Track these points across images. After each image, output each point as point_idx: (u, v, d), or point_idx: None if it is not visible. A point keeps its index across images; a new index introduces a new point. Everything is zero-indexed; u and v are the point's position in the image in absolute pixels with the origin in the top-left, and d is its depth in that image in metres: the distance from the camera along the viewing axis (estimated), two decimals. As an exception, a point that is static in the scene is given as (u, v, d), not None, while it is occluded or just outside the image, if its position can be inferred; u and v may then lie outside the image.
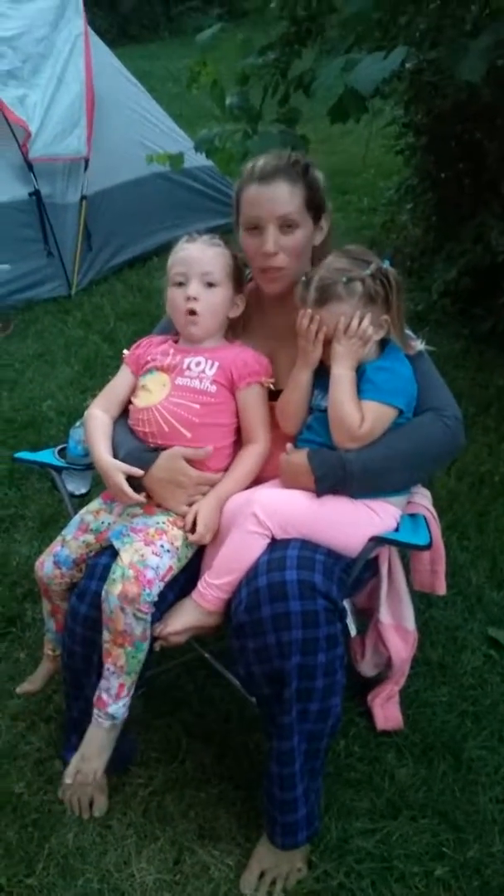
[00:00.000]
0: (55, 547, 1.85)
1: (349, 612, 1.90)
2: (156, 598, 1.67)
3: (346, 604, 1.86)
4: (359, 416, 1.64)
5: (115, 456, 1.81)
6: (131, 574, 1.65)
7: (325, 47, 3.09)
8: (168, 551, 1.71)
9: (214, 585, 1.68)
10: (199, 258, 1.81)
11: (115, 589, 1.65)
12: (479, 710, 2.05)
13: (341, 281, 1.65)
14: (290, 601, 1.55)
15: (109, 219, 4.84)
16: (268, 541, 1.65)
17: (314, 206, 1.79)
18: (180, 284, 1.82)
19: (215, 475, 1.79)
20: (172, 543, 1.72)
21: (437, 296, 4.06)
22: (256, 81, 3.17)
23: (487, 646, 2.24)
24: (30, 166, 4.51)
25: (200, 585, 1.70)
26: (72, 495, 2.09)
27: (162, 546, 1.70)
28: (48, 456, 2.08)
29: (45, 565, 1.84)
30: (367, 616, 2.00)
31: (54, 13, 4.79)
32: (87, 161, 4.69)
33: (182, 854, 1.77)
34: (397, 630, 1.94)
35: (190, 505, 1.77)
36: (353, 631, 1.90)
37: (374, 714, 2.01)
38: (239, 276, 1.85)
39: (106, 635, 1.69)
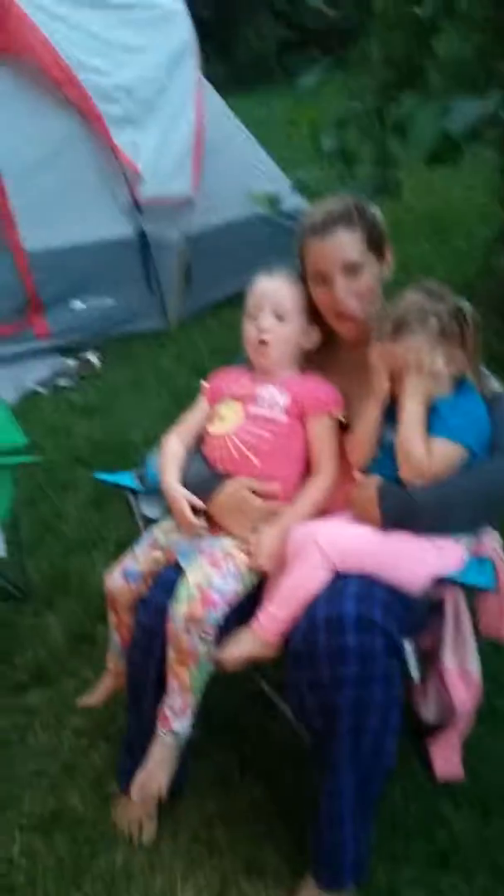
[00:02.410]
0: (125, 561, 1.91)
1: (411, 654, 1.87)
2: (221, 621, 1.70)
3: (407, 645, 1.84)
4: (426, 453, 1.63)
5: (184, 481, 1.86)
6: (197, 595, 1.69)
7: (422, 94, 3.13)
8: (234, 575, 1.73)
9: (275, 617, 1.68)
10: (271, 291, 1.87)
11: (181, 609, 1.69)
12: (545, 767, 1.97)
13: (416, 315, 1.66)
14: (347, 635, 1.54)
15: (210, 258, 4.97)
16: (330, 574, 1.65)
17: (375, 245, 1.81)
18: (254, 318, 1.87)
19: (279, 505, 1.81)
20: (238, 568, 1.75)
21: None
22: (354, 126, 3.23)
23: None
24: (137, 206, 4.72)
25: (261, 616, 1.71)
26: (147, 518, 2.14)
27: (228, 569, 1.73)
28: (127, 478, 2.15)
29: (115, 578, 1.90)
30: (430, 659, 1.96)
31: (169, 62, 5.02)
32: (191, 202, 4.87)
33: (227, 886, 1.76)
34: (461, 675, 1.88)
35: (253, 532, 1.79)
36: (414, 673, 1.87)
37: (433, 762, 1.95)
38: (311, 308, 1.88)
39: (171, 653, 1.72)
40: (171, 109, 4.95)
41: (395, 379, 1.71)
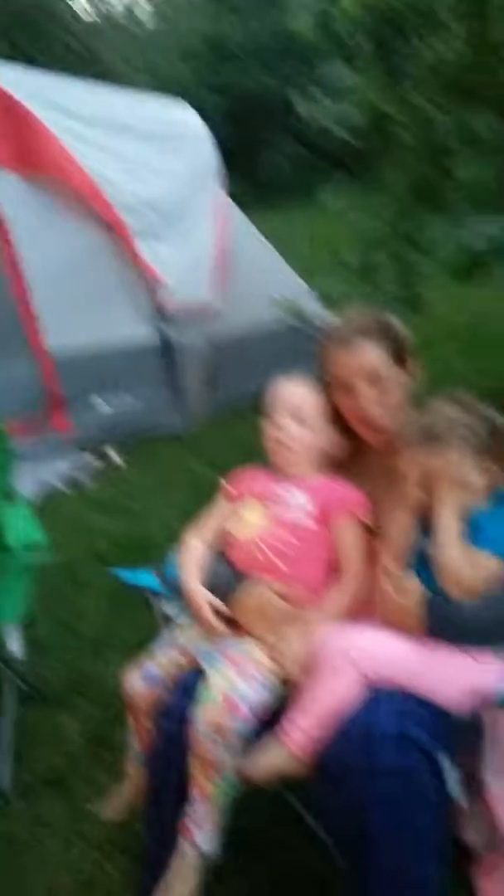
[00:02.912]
0: (145, 663, 1.85)
1: (451, 774, 1.79)
2: (248, 734, 1.63)
3: (448, 764, 1.77)
4: (467, 565, 1.60)
5: (206, 583, 1.83)
6: (221, 701, 1.62)
7: (443, 214, 3.27)
8: (260, 682, 1.67)
9: (304, 729, 1.60)
10: (289, 395, 1.91)
11: (203, 715, 1.62)
12: None
13: (447, 426, 1.66)
14: (382, 753, 1.48)
15: (233, 363, 5.10)
16: (362, 686, 1.60)
17: (399, 356, 1.84)
18: (272, 419, 1.90)
19: (306, 610, 1.78)
20: (265, 676, 1.68)
21: None
22: (379, 245, 3.36)
23: None
24: (161, 314, 4.87)
25: (290, 729, 1.63)
26: (167, 618, 2.11)
27: (253, 675, 1.67)
28: (147, 577, 2.13)
29: (134, 681, 1.84)
30: (472, 780, 1.87)
31: (193, 177, 5.30)
32: (215, 310, 5.03)
33: None
34: (504, 797, 1.79)
35: (278, 636, 1.74)
36: (455, 795, 1.78)
37: (479, 889, 1.84)
38: (334, 412, 1.90)
39: (194, 761, 1.64)
40: (194, 223, 5.20)
41: (424, 489, 1.70)
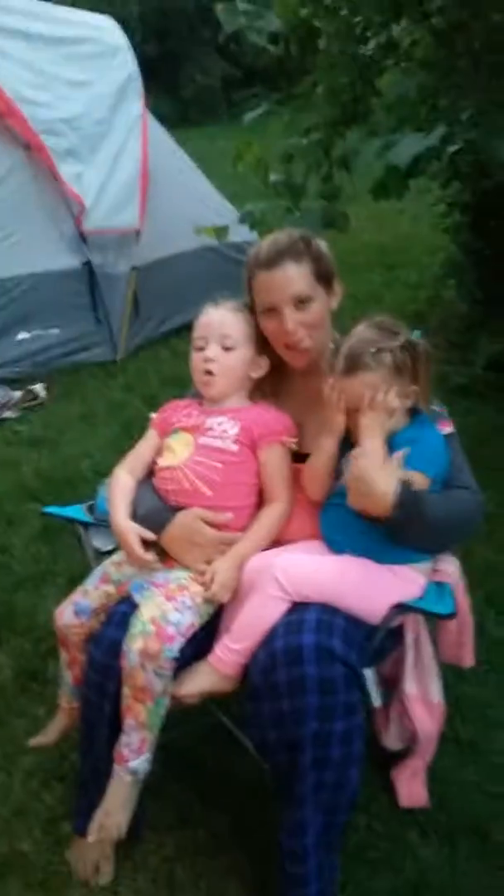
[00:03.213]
0: (76, 597, 1.85)
1: (373, 682, 1.85)
2: (177, 655, 1.65)
3: (369, 673, 1.83)
4: (393, 488, 1.59)
5: (134, 514, 1.82)
6: (152, 630, 1.64)
7: (369, 129, 3.20)
8: (189, 608, 1.69)
9: (233, 650, 1.65)
10: (218, 322, 1.86)
11: (135, 644, 1.64)
12: (508, 793, 1.96)
13: (370, 351, 1.65)
14: (306, 665, 1.52)
15: (158, 289, 4.99)
16: (288, 605, 1.63)
17: (324, 277, 1.82)
18: (200, 348, 1.87)
19: (233, 535, 1.79)
20: (193, 599, 1.71)
21: (481, 368, 4.06)
22: (300, 160, 3.28)
23: (520, 725, 2.15)
24: (83, 238, 4.71)
25: (218, 649, 1.67)
26: (98, 551, 2.09)
27: (183, 602, 1.69)
28: (77, 511, 2.10)
29: (65, 614, 1.84)
30: (392, 686, 1.94)
31: (114, 97, 5.05)
32: (138, 233, 4.87)
33: (190, 926, 1.70)
34: (424, 702, 1.87)
35: (208, 563, 1.76)
36: (376, 702, 1.85)
37: (398, 790, 1.93)
38: (261, 339, 1.88)
39: (126, 690, 1.67)
40: (115, 143, 4.97)
41: (349, 413, 1.71)
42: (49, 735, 1.98)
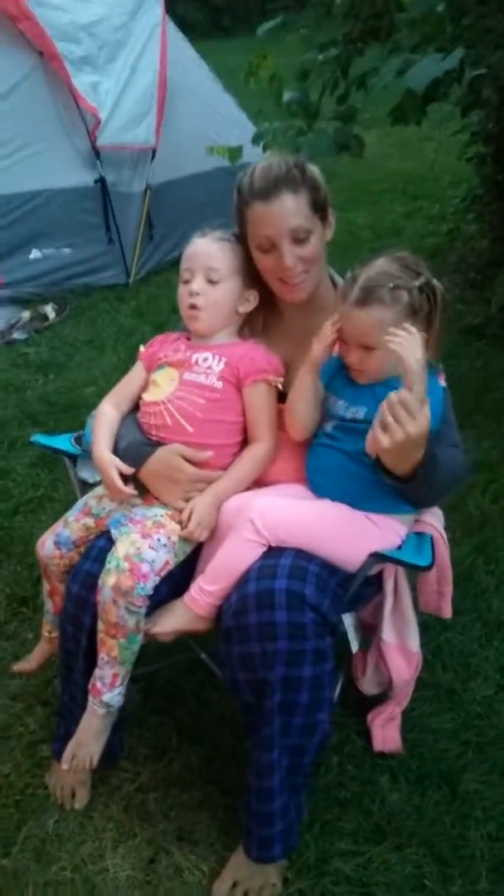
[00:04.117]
0: (57, 527, 1.85)
1: (352, 627, 1.85)
2: (150, 592, 1.65)
3: (348, 618, 1.82)
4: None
5: (115, 448, 1.80)
6: (126, 567, 1.63)
7: (390, 47, 3.01)
8: (165, 546, 1.68)
9: (207, 591, 1.64)
10: (204, 253, 1.79)
11: (109, 580, 1.63)
12: (482, 742, 1.96)
13: (388, 286, 1.57)
14: (276, 611, 1.51)
15: (173, 210, 4.85)
16: (263, 549, 1.61)
17: (320, 207, 1.73)
18: (186, 281, 1.80)
19: (213, 473, 1.76)
20: (169, 538, 1.69)
21: (496, 309, 3.94)
22: (316, 78, 3.11)
23: (501, 675, 2.14)
24: (97, 153, 4.56)
25: (193, 590, 1.67)
26: (84, 482, 2.08)
27: (159, 540, 1.68)
28: (64, 442, 2.08)
29: (46, 545, 1.84)
30: (370, 632, 1.94)
31: (133, 2, 4.82)
32: (154, 151, 4.71)
33: (158, 854, 1.75)
34: (400, 650, 1.86)
35: (187, 501, 1.74)
36: (354, 646, 1.86)
37: (373, 734, 1.95)
38: (251, 272, 1.81)
39: (100, 625, 1.68)
40: (133, 52, 4.76)
41: (352, 348, 1.63)
42: (31, 662, 2.02)
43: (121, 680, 1.70)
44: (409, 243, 5.37)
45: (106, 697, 1.69)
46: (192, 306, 1.79)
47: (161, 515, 1.73)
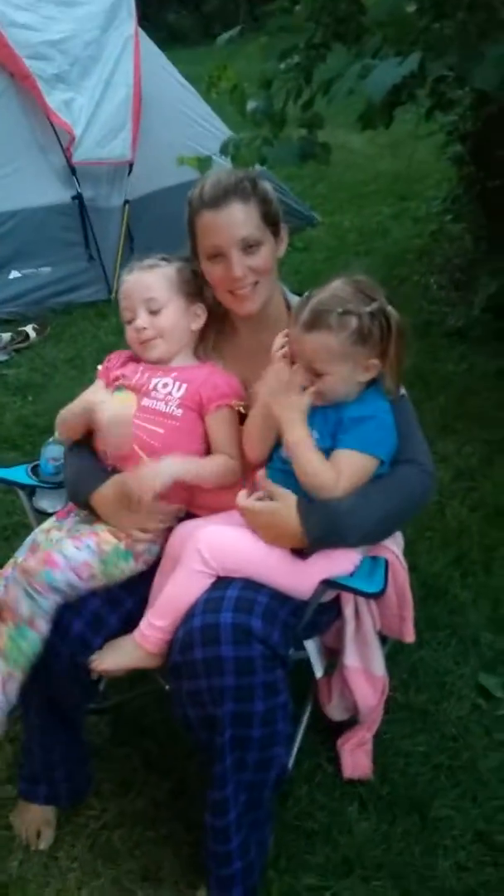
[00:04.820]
0: (6, 571, 1.76)
1: (315, 653, 1.81)
2: (59, 584, 1.57)
3: (311, 644, 1.78)
4: (333, 475, 1.52)
5: (67, 466, 1.81)
6: (41, 555, 1.60)
7: (355, 51, 2.95)
8: (90, 548, 1.64)
9: (157, 626, 1.59)
10: (137, 287, 1.76)
11: (19, 565, 1.60)
12: (455, 765, 1.92)
13: (337, 311, 1.53)
14: (222, 645, 1.46)
15: (153, 223, 4.79)
16: (211, 579, 1.57)
17: (271, 220, 1.71)
18: (129, 321, 1.77)
19: (170, 507, 1.72)
20: (99, 546, 1.65)
21: (478, 311, 3.89)
22: (280, 86, 3.06)
23: (476, 693, 2.10)
24: (73, 170, 4.52)
25: (143, 626, 1.62)
26: (43, 512, 2.04)
27: (86, 543, 1.64)
28: (20, 473, 2.04)
29: None
30: (336, 657, 1.89)
31: (105, 16, 4.78)
32: (131, 165, 4.68)
33: (122, 894, 1.71)
34: (364, 675, 1.82)
35: (142, 532, 1.70)
36: (318, 672, 1.81)
37: (342, 761, 1.91)
38: (192, 286, 1.78)
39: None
40: (107, 67, 4.73)
41: (305, 369, 1.58)
42: None
43: (8, 678, 1.58)
44: (396, 245, 5.33)
45: None
46: (144, 342, 1.76)
47: (102, 529, 1.69)
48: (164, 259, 1.80)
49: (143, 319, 1.75)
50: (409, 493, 1.64)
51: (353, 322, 1.53)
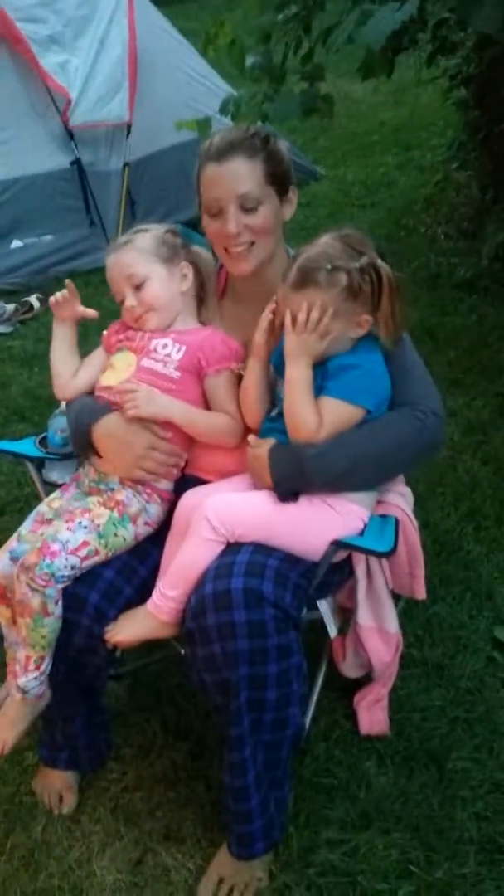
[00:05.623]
0: (11, 543, 1.78)
1: (329, 613, 1.81)
2: (61, 572, 1.58)
3: (324, 604, 1.79)
4: (316, 420, 1.52)
5: (69, 410, 1.82)
6: (37, 545, 1.61)
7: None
8: (85, 528, 1.64)
9: (169, 596, 1.59)
10: (117, 266, 1.75)
11: (21, 560, 1.61)
12: (471, 718, 1.93)
13: (325, 267, 1.50)
14: (234, 610, 1.47)
15: (153, 185, 4.75)
16: (221, 546, 1.57)
17: (278, 180, 1.67)
18: (121, 301, 1.77)
19: (171, 446, 1.72)
20: (93, 521, 1.65)
21: (486, 261, 3.82)
22: (278, 39, 2.99)
23: (491, 647, 2.11)
24: (70, 134, 4.47)
25: (155, 596, 1.62)
26: (53, 484, 2.05)
27: (80, 523, 1.64)
28: (27, 445, 2.04)
29: (2, 561, 1.77)
30: (349, 616, 1.90)
31: (96, -27, 4.67)
32: (129, 126, 4.60)
33: (145, 854, 1.74)
34: (378, 633, 1.82)
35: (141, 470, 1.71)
36: (332, 632, 1.82)
37: (359, 717, 1.92)
38: (170, 249, 1.76)
39: (16, 607, 1.64)
40: (101, 27, 4.64)
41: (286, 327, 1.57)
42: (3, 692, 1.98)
43: (34, 664, 1.63)
44: (402, 196, 5.24)
45: (21, 681, 1.64)
46: (138, 318, 1.75)
47: (92, 503, 1.70)
48: (140, 230, 1.78)
49: (130, 298, 1.74)
50: (395, 435, 1.59)
51: (343, 278, 1.51)
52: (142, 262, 1.73)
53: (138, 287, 1.73)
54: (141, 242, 1.75)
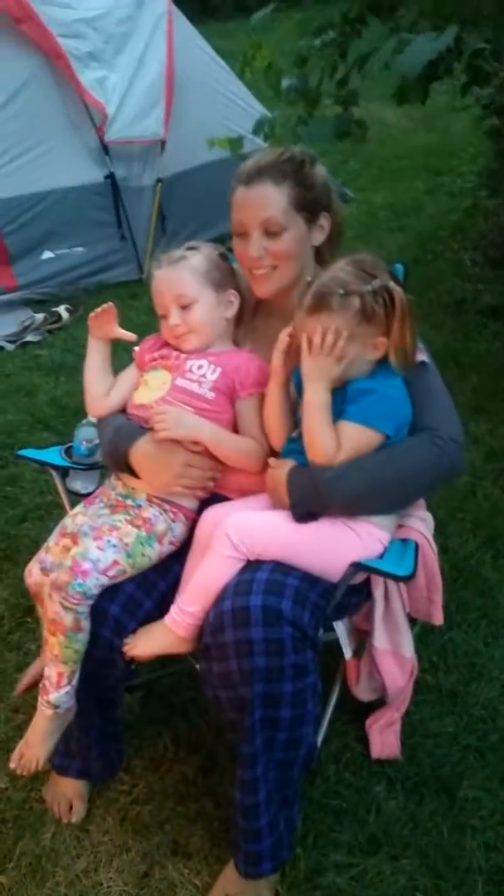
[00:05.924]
0: (41, 554, 1.81)
1: (345, 634, 1.81)
2: (92, 591, 1.61)
3: (340, 625, 1.79)
4: (333, 444, 1.53)
5: (103, 431, 1.82)
6: (68, 564, 1.62)
7: (391, 25, 2.91)
8: (114, 546, 1.65)
9: (188, 612, 1.61)
10: (166, 285, 1.75)
11: (52, 580, 1.63)
12: (484, 746, 1.92)
13: (338, 292, 1.53)
14: (252, 628, 1.47)
15: (185, 202, 4.80)
16: (241, 563, 1.58)
17: (307, 206, 1.69)
18: (163, 317, 1.78)
19: (208, 460, 1.73)
20: (121, 539, 1.67)
21: (514, 289, 3.83)
22: (315, 64, 3.03)
23: (506, 675, 2.10)
24: (106, 149, 4.53)
25: (174, 611, 1.63)
26: (76, 494, 2.07)
27: (108, 541, 1.66)
28: (54, 455, 2.07)
29: (33, 572, 1.80)
30: (365, 638, 1.90)
31: (137, -8, 4.75)
32: (163, 143, 4.66)
33: (152, 868, 1.74)
34: (393, 656, 1.82)
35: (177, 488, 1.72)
36: (347, 653, 1.82)
37: (371, 740, 1.92)
38: (222, 271, 1.78)
39: (45, 624, 1.66)
40: (140, 44, 4.71)
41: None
42: (26, 681, 2.01)
43: (66, 679, 1.66)
44: (430, 221, 5.26)
45: (52, 697, 1.66)
46: (180, 337, 1.77)
47: (119, 521, 1.71)
48: (190, 248, 1.79)
49: (175, 317, 1.74)
50: (413, 460, 1.60)
51: (356, 302, 1.53)
52: (194, 283, 1.74)
53: (185, 307, 1.74)
54: (195, 262, 1.76)
